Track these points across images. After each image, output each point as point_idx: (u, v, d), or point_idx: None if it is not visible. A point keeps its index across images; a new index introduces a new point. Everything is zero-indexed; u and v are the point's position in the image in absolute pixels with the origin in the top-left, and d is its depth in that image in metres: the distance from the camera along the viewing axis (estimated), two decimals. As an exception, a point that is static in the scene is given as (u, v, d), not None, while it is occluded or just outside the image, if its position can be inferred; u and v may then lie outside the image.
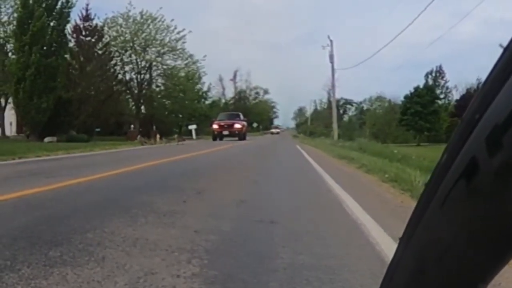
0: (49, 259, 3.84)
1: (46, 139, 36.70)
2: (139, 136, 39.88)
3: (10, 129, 48.63)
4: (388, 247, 4.37)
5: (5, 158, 15.56)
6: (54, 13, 38.62)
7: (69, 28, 49.32)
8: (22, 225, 5.08)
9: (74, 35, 51.04)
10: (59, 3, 39.21)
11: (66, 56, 42.84)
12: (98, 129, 45.24)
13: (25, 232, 4.73)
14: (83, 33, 51.42)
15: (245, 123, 47.14)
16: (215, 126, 44.51)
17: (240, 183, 9.69)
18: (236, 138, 42.16)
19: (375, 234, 5.08)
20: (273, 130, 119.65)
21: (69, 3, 40.04)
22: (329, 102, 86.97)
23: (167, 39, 60.57)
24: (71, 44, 50.01)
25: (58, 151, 20.63)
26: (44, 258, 3.87)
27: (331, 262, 4.00)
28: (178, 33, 60.26)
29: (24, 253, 3.97)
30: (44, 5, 37.88)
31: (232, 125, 43.65)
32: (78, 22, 51.08)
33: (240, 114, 51.22)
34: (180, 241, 4.62)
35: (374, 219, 5.91)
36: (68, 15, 40.44)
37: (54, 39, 38.43)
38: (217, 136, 43.13)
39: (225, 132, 43.03)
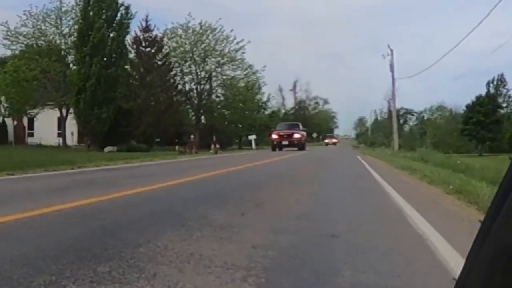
0: (97, 275, 3.56)
1: (106, 149, 36.95)
2: (177, 146, 39.32)
3: (72, 138, 49.22)
4: (457, 264, 3.82)
5: (65, 167, 15.40)
6: (114, 25, 39.12)
7: (129, 39, 50.16)
8: (73, 236, 4.86)
9: (134, 46, 51.67)
10: (119, 15, 39.69)
11: (126, 66, 43.22)
12: (158, 139, 45.38)
13: (76, 244, 4.49)
14: (143, 44, 51.99)
15: (304, 133, 46.27)
16: (274, 136, 43.69)
17: (299, 194, 9.04)
18: (296, 148, 41.28)
19: (443, 250, 4.65)
20: (327, 141, 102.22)
21: (129, 14, 40.50)
22: (390, 112, 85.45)
23: (226, 50, 60.60)
24: (131, 55, 50.69)
25: (117, 160, 20.52)
26: (92, 273, 3.60)
27: (397, 282, 3.66)
28: (237, 43, 60.22)
29: (71, 268, 3.70)
30: (104, 16, 38.42)
31: (291, 135, 42.77)
32: (138, 33, 51.84)
33: (299, 124, 50.42)
34: (236, 257, 4.15)
35: (441, 233, 5.42)
36: (128, 26, 40.88)
37: (114, 50, 38.88)
38: (276, 146, 42.38)
39: (284, 142, 42.10)
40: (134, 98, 49.61)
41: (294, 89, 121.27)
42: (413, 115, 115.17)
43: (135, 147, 38.57)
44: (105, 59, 38.30)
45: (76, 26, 42.54)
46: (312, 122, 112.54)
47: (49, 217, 5.93)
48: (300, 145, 41.89)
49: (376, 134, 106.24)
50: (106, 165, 17.99)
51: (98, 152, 33.88)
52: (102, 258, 3.99)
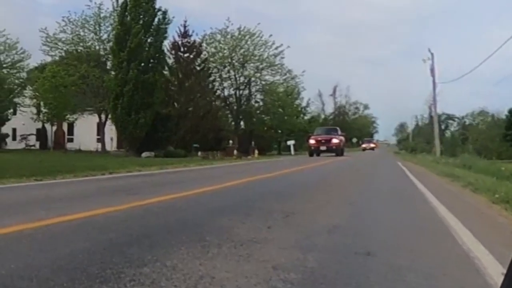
0: (85, 302, 3.10)
1: (144, 154, 36.74)
2: (200, 152, 38.49)
3: (111, 144, 49.38)
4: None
5: (95, 173, 15.03)
6: (151, 30, 38.96)
7: (167, 44, 50.11)
8: (73, 252, 4.28)
9: (173, 52, 51.52)
10: (156, 20, 39.51)
11: (164, 72, 43.06)
12: (196, 145, 45.00)
13: (72, 262, 3.91)
14: (182, 49, 51.78)
15: (342, 138, 44.55)
16: (311, 141, 42.07)
17: (334, 204, 8.30)
18: (334, 154, 39.89)
19: (493, 271, 4.05)
20: (365, 145, 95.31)
21: (166, 20, 40.31)
22: (431, 117, 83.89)
23: (265, 55, 60.12)
24: (169, 61, 50.63)
25: (151, 166, 20.10)
26: (80, 299, 3.12)
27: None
28: (276, 48, 59.66)
29: (57, 292, 3.18)
30: (141, 22, 38.31)
31: (329, 140, 41.24)
32: (177, 38, 51.69)
33: (338, 128, 48.81)
34: (252, 281, 3.53)
35: (490, 250, 4.79)
36: (165, 31, 40.69)
37: (151, 55, 38.77)
38: (314, 151, 40.95)
39: (322, 148, 40.61)
40: (172, 104, 49.45)
41: (333, 94, 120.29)
42: (454, 120, 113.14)
43: (173, 153, 38.26)
44: (142, 64, 38.21)
45: (114, 32, 42.59)
46: (352, 127, 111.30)
47: (55, 229, 5.39)
48: (338, 151, 40.44)
49: (417, 140, 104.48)
50: (139, 170, 17.59)
51: (135, 157, 33.64)
52: (97, 280, 3.44)
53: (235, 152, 40.13)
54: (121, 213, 6.63)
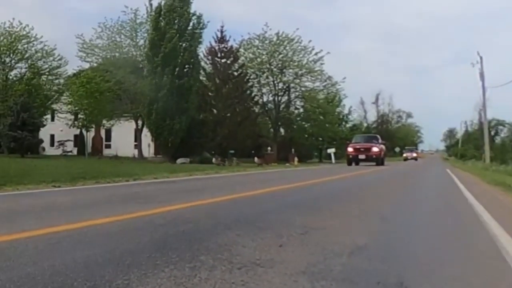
0: None
1: (179, 161, 36.15)
2: (214, 158, 37.12)
3: (148, 150, 48.97)
4: None
5: (119, 179, 14.31)
6: (185, 34, 38.38)
7: (204, 50, 49.66)
8: (35, 272, 3.52)
9: (209, 57, 51.02)
10: (191, 24, 38.92)
11: (199, 77, 42.50)
12: (232, 151, 44.26)
13: (26, 284, 3.23)
14: (219, 55, 51.25)
15: (383, 146, 42.19)
16: (350, 150, 39.77)
17: (363, 219, 7.09)
18: (373, 163, 37.77)
19: None
20: (407, 155, 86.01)
21: (201, 24, 39.72)
22: (480, 123, 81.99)
23: (304, 61, 59.14)
24: (206, 66, 50.19)
25: (180, 172, 19.31)
26: None
27: None
28: (316, 54, 58.62)
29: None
30: (175, 26, 37.76)
31: (369, 149, 38.87)
32: (213, 44, 51.19)
33: (378, 136, 46.52)
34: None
35: None
36: (200, 36, 40.10)
37: (186, 60, 38.18)
38: (352, 160, 38.64)
39: (361, 156, 38.47)
40: (210, 110, 48.96)
41: (376, 102, 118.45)
42: (504, 126, 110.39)
43: (209, 159, 37.54)
44: (177, 69, 37.63)
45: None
46: (395, 136, 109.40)
47: (37, 241, 4.60)
48: (378, 160, 38.39)
49: (466, 146, 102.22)
50: (167, 177, 16.84)
51: (170, 163, 33.00)
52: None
53: (213, 159, 37.70)
54: (116, 224, 5.78)
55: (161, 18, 38.41)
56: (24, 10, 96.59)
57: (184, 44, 38.41)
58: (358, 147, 39.55)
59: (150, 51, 38.51)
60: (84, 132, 50.84)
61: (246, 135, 52.37)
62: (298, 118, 63.78)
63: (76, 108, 44.37)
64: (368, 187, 14.93)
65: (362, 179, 19.04)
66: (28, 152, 37.36)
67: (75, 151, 54.06)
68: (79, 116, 44.27)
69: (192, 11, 39.54)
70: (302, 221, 6.26)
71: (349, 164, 38.15)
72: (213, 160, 35.98)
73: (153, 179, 15.62)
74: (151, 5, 43.00)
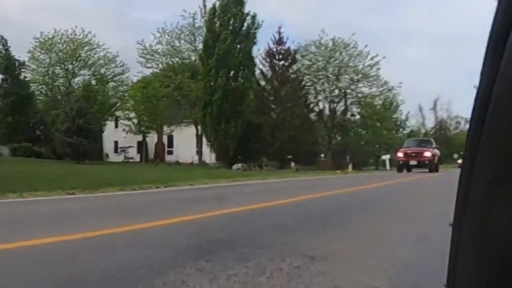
0: None
1: (235, 166, 35.26)
2: (240, 164, 35.42)
3: (210, 156, 48.37)
4: None
5: (148, 186, 13.33)
6: (240, 35, 37.45)
7: (262, 52, 48.76)
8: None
9: (268, 59, 50.12)
10: (245, 25, 37.97)
11: (254, 79, 41.59)
12: (290, 157, 43.14)
13: None
14: (277, 57, 50.27)
15: (437, 151, 37.81)
16: (399, 155, 36.26)
17: (392, 239, 5.32)
18: (426, 170, 34.46)
19: None
20: (460, 161, 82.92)
21: (255, 24, 38.69)
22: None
23: (360, 66, 57.51)
24: (264, 69, 49.43)
25: (221, 178, 18.23)
26: None
27: None
28: (371, 59, 56.70)
29: None
30: (230, 27, 36.92)
31: (420, 154, 35.27)
32: (271, 46, 50.22)
33: (432, 140, 42.52)
34: None
35: None
36: (255, 37, 39.07)
37: (240, 61, 37.25)
38: (403, 166, 35.31)
39: (412, 162, 34.84)
40: (268, 113, 48.04)
41: (434, 107, 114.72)
42: None
43: (266, 165, 36.49)
44: (232, 71, 36.79)
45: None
46: (453, 143, 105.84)
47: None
48: (431, 166, 34.91)
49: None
50: (206, 183, 15.82)
51: (226, 169, 32.09)
52: None
53: (294, 166, 35.97)
54: (67, 244, 4.64)
55: (215, 20, 37.63)
56: (90, 21, 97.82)
57: (238, 45, 37.45)
58: (409, 152, 36.08)
59: (204, 53, 37.84)
60: (148, 138, 50.91)
61: (302, 141, 51.23)
62: (354, 125, 61.95)
63: (133, 114, 44.19)
64: (411, 196, 12.74)
65: (408, 187, 16.96)
66: (84, 158, 37.16)
67: (137, 158, 54.10)
68: (135, 121, 44.05)
69: (246, 10, 38.56)
70: (308, 245, 4.64)
71: (399, 170, 35.27)
72: (239, 166, 34.67)
73: (189, 186, 14.66)
74: (205, 6, 42.43)
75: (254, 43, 39.53)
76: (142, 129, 44.02)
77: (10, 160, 34.29)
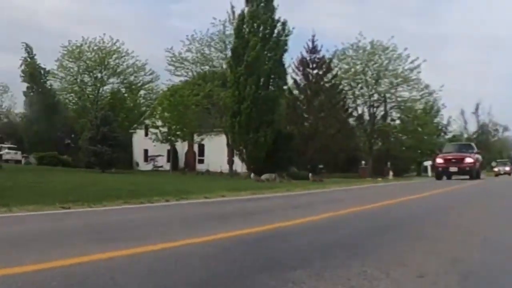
0: None
1: (264, 176, 33.93)
2: (252, 174, 33.91)
3: (242, 165, 47.33)
4: None
5: (158, 199, 12.31)
6: (270, 42, 36.23)
7: (295, 61, 47.75)
8: None
9: (301, 68, 49.10)
10: (275, 31, 36.81)
11: (286, 87, 40.48)
12: (321, 166, 41.96)
13: None
14: (310, 65, 49.22)
15: (479, 156, 34.43)
16: (439, 161, 33.23)
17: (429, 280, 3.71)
18: (467, 177, 31.18)
19: None
20: (498, 169, 67.91)
21: (286, 31, 37.41)
22: None
23: (400, 69, 56.12)
24: (297, 78, 48.46)
25: (242, 191, 16.80)
26: None
27: None
28: (411, 62, 55.29)
29: None
30: (259, 34, 35.82)
31: (461, 160, 32.06)
32: (305, 54, 49.29)
33: (473, 144, 39.23)
34: None
35: None
36: (285, 44, 37.70)
37: (270, 69, 36.06)
38: (442, 173, 32.26)
39: (452, 169, 31.72)
40: (301, 122, 47.03)
41: (476, 111, 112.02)
42: None
43: (296, 175, 35.27)
44: (262, 79, 35.68)
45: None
46: (493, 150, 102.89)
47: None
48: (473, 173, 31.59)
49: None
50: (222, 196, 14.56)
51: (254, 180, 30.87)
52: None
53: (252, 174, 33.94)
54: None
55: (244, 26, 36.57)
56: (121, 29, 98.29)
57: (268, 53, 36.28)
58: (449, 157, 33.01)
59: (232, 61, 36.79)
60: (178, 147, 50.21)
61: (339, 148, 50.07)
62: (395, 130, 60.53)
63: (160, 122, 43.41)
64: (448, 213, 9.91)
65: (447, 198, 14.96)
66: (110, 167, 36.47)
67: (168, 166, 53.41)
68: (161, 130, 43.27)
69: (276, 17, 37.38)
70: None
71: (438, 178, 32.45)
72: (251, 175, 33.11)
73: (204, 199, 13.44)
74: (233, 12, 41.26)
75: (285, 50, 38.15)
76: (169, 137, 43.13)
77: (30, 168, 33.96)
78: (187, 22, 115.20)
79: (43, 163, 40.77)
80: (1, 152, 46.64)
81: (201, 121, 45.34)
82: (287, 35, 37.48)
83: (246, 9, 37.12)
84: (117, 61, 53.51)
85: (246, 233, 6.18)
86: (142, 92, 54.87)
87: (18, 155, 46.65)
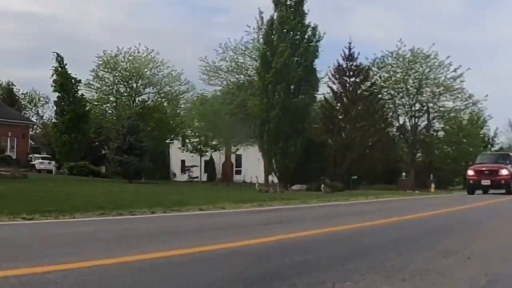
0: None
1: (294, 187, 32.90)
2: (257, 184, 32.00)
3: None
4: None
5: (158, 209, 11.58)
6: (300, 48, 34.98)
7: (332, 69, 46.89)
8: None
9: (337, 76, 47.65)
10: (306, 37, 35.53)
11: (322, 95, 39.21)
12: (355, 177, 40.36)
13: None
14: (347, 73, 47.74)
15: None
16: (470, 173, 29.11)
17: None
18: (503, 191, 27.02)
19: None
20: None
21: (316, 36, 36.12)
22: None
23: (442, 78, 53.85)
24: (334, 86, 47.20)
25: (247, 203, 15.41)
26: None
27: None
28: (454, 70, 52.87)
29: None
30: (289, 40, 34.63)
31: (495, 171, 27.67)
32: (341, 62, 47.79)
33: (511, 154, 33.68)
34: None
35: None
36: (316, 49, 36.47)
37: (300, 76, 34.78)
38: (474, 186, 28.14)
39: (485, 182, 27.36)
40: (338, 132, 45.58)
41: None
42: None
43: (329, 186, 33.76)
44: (292, 86, 34.49)
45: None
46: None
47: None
48: (508, 186, 27.31)
49: None
50: (223, 208, 13.37)
51: (282, 191, 29.57)
52: None
53: (256, 184, 31.70)
54: None
55: (273, 32, 35.48)
56: (168, 41, 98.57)
57: (298, 59, 35.02)
58: (482, 169, 28.72)
59: (261, 67, 35.74)
60: (215, 157, 49.61)
61: (377, 159, 48.37)
62: (436, 141, 58.40)
63: (186, 131, 42.65)
64: (474, 237, 8.01)
65: (466, 216, 12.78)
66: (138, 177, 35.85)
67: (205, 177, 52.71)
68: (191, 140, 42.54)
69: (306, 22, 36.20)
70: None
71: (470, 192, 28.51)
72: (256, 186, 31.14)
73: (214, 210, 12.63)
74: (261, 18, 39.84)
75: (316, 56, 36.90)
76: (199, 147, 42.31)
77: (54, 178, 33.66)
78: (228, 32, 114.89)
79: (73, 173, 40.37)
80: (34, 162, 46.63)
81: (235, 131, 44.43)
82: (318, 41, 36.25)
83: (275, 15, 36.01)
84: (153, 70, 53.17)
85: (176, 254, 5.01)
86: (175, 102, 54.29)
87: (52, 165, 46.68)
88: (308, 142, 36.08)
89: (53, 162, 47.17)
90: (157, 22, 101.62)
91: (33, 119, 72.07)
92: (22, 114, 63.84)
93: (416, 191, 36.77)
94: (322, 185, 32.53)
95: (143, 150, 36.57)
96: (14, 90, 73.67)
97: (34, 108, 77.63)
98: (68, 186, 22.99)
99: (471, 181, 28.86)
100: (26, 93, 77.72)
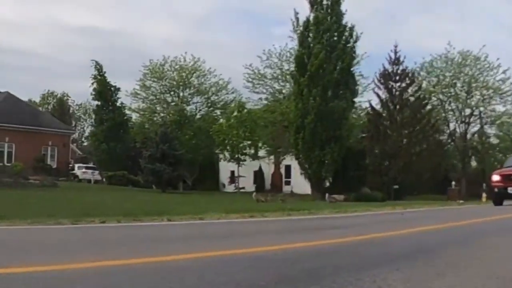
0: None
1: (328, 198, 31.31)
2: (254, 193, 30.74)
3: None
4: None
5: (155, 218, 10.77)
6: (336, 50, 33.41)
7: (377, 74, 46.05)
8: None
9: (382, 81, 46.01)
10: (343, 38, 34.04)
11: (354, 100, 37.33)
12: (396, 186, 38.58)
13: None
14: (393, 78, 46.04)
15: None
16: (495, 178, 22.94)
17: None
18: None
19: None
20: None
21: (354, 37, 34.55)
22: None
23: (491, 80, 51.46)
24: (380, 92, 45.80)
25: (244, 213, 13.93)
26: None
27: None
28: (503, 72, 50.42)
29: None
30: (324, 41, 33.11)
31: None
32: (387, 66, 46.17)
33: None
34: None
35: None
36: (353, 51, 34.88)
37: (337, 79, 33.23)
38: (501, 195, 22.08)
39: (511, 189, 21.47)
40: (383, 139, 43.88)
41: None
42: None
43: (367, 196, 32.13)
44: (329, 91, 33.01)
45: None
46: None
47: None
48: None
49: None
50: (218, 219, 11.91)
51: (320, 201, 28.18)
52: None
53: (254, 194, 29.56)
54: None
55: (309, 34, 34.12)
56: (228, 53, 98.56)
57: (335, 61, 33.50)
58: (508, 173, 22.61)
59: (296, 71, 34.31)
60: (264, 168, 48.73)
61: (425, 167, 46.25)
62: (488, 147, 56.22)
63: (221, 138, 41.59)
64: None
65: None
66: (173, 186, 35.09)
67: (253, 188, 51.84)
68: (228, 148, 41.54)
69: (343, 22, 34.67)
70: None
71: (497, 202, 22.42)
72: (253, 195, 29.33)
73: (220, 219, 11.52)
74: (297, 19, 38.24)
75: (353, 58, 35.36)
76: (237, 156, 41.25)
77: (86, 187, 33.22)
78: (286, 43, 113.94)
79: (112, 182, 39.98)
80: (76, 171, 46.53)
81: (280, 140, 43.27)
82: (355, 42, 34.69)
83: (311, 16, 34.60)
84: (201, 79, 52.66)
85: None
86: (221, 110, 53.69)
87: (96, 175, 46.49)
88: (347, 150, 34.48)
89: (96, 172, 46.91)
90: (220, 35, 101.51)
91: (87, 130, 72.95)
92: (74, 124, 64.38)
93: (461, 201, 34.54)
94: (327, 195, 30.64)
95: (177, 159, 35.67)
96: (69, 101, 74.75)
97: (88, 119, 78.21)
98: (87, 194, 22.32)
99: (496, 189, 22.96)
100: (81, 104, 78.98)
